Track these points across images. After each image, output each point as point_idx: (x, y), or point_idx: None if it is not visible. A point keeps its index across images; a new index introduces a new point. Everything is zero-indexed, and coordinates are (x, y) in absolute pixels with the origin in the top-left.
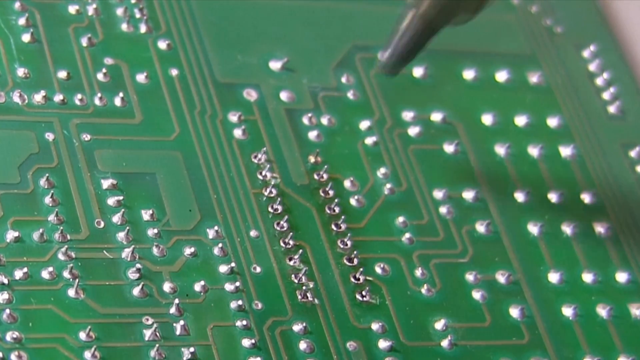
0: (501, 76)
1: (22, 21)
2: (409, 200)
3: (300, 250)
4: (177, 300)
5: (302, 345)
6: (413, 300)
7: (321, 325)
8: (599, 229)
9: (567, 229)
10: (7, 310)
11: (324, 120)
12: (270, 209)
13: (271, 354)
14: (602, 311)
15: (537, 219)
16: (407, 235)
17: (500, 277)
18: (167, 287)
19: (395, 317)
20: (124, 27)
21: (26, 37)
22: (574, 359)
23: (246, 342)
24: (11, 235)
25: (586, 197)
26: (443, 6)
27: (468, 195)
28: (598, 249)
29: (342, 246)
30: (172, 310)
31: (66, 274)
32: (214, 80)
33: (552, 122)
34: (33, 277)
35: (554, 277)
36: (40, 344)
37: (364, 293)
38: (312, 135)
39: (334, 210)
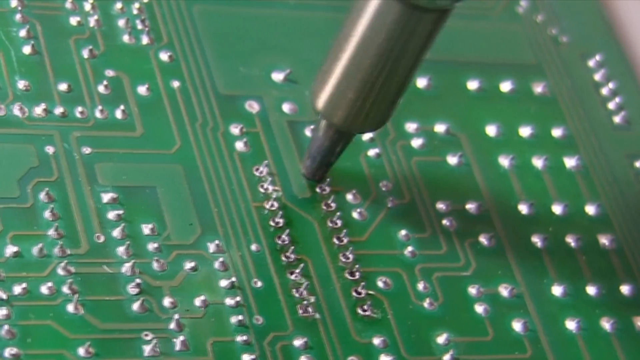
0: (505, 86)
1: (22, 33)
2: (412, 213)
3: (302, 264)
4: (177, 316)
5: None
6: (415, 314)
7: (322, 340)
8: (604, 241)
9: (571, 241)
10: (6, 326)
11: None
12: (271, 223)
13: None
14: (606, 324)
15: (541, 231)
16: (410, 248)
17: (503, 291)
18: (167, 302)
19: (397, 332)
20: (126, 38)
21: (27, 49)
22: None
23: (246, 358)
24: (10, 250)
25: (591, 209)
26: (354, 117)
27: (471, 207)
28: (602, 262)
29: (343, 260)
30: (172, 325)
31: (65, 289)
32: (215, 92)
33: (557, 132)
34: (32, 293)
35: (557, 290)
36: None
37: (365, 307)
38: None
39: (336, 224)
